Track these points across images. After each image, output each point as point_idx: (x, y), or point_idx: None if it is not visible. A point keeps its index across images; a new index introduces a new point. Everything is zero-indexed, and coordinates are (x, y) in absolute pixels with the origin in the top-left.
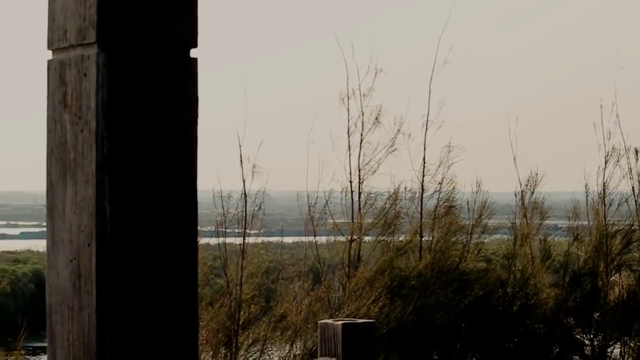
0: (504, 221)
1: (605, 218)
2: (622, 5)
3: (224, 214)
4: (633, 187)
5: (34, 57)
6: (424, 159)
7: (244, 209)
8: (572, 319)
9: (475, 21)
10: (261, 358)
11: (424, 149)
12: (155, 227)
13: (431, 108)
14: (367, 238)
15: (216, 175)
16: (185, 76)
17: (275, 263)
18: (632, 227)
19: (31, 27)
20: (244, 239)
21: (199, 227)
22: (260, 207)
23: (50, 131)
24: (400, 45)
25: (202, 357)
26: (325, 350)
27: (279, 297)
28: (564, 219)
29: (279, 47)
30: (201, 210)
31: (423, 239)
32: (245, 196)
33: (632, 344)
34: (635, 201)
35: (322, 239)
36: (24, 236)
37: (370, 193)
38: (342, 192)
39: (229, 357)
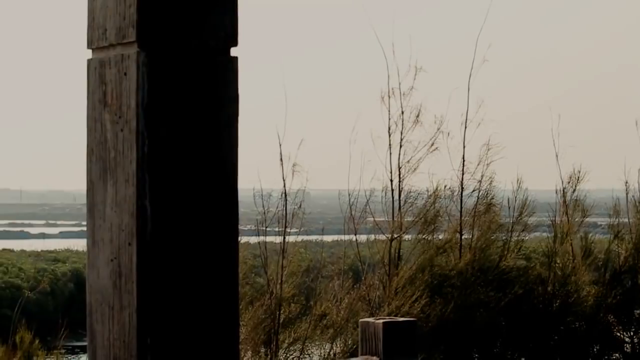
0: (543, 219)
1: None
2: None
3: (264, 212)
4: None
5: (74, 56)
6: (463, 158)
7: (284, 208)
8: (612, 317)
9: (516, 15)
10: (301, 357)
11: (464, 147)
12: (196, 226)
13: (470, 106)
14: (407, 236)
15: (256, 173)
16: (225, 75)
17: (315, 262)
18: None
19: (71, 26)
20: (284, 237)
21: (239, 226)
22: (300, 205)
23: (90, 130)
24: (440, 43)
25: (242, 356)
26: (366, 348)
27: (319, 296)
28: (604, 216)
29: (319, 46)
30: (241, 209)
31: (463, 238)
32: (286, 195)
33: None
34: None
35: (362, 238)
36: (63, 235)
37: (410, 192)
38: (382, 190)
39: (268, 355)
